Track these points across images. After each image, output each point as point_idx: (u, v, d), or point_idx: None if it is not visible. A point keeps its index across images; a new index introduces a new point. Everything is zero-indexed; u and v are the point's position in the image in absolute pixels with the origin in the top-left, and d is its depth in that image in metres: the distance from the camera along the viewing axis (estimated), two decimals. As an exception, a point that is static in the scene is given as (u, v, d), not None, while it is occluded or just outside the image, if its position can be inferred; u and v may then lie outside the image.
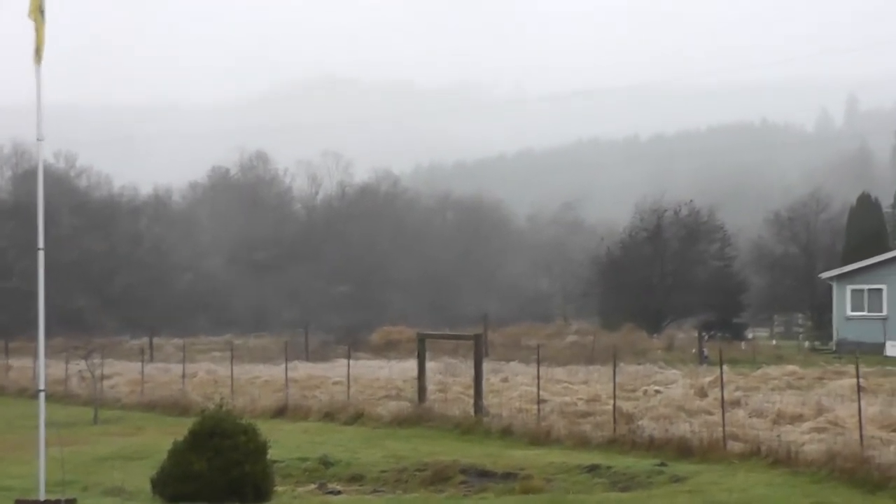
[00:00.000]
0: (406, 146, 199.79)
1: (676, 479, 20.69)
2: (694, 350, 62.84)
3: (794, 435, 24.22)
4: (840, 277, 70.46)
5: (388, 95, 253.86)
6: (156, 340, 72.99)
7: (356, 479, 22.56)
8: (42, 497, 17.29)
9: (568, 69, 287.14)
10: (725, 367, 29.30)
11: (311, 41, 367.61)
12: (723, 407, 25.50)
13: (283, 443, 25.21)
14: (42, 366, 18.67)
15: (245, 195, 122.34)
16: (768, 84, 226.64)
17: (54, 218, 79.90)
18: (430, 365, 36.44)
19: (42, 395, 18.16)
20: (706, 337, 68.87)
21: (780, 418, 27.59)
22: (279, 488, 19.57)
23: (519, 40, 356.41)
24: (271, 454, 18.94)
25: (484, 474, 22.33)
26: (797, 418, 27.57)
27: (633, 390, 36.04)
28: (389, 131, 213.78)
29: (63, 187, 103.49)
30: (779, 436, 23.58)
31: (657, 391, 35.85)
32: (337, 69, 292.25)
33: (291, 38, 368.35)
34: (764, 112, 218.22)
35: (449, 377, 40.87)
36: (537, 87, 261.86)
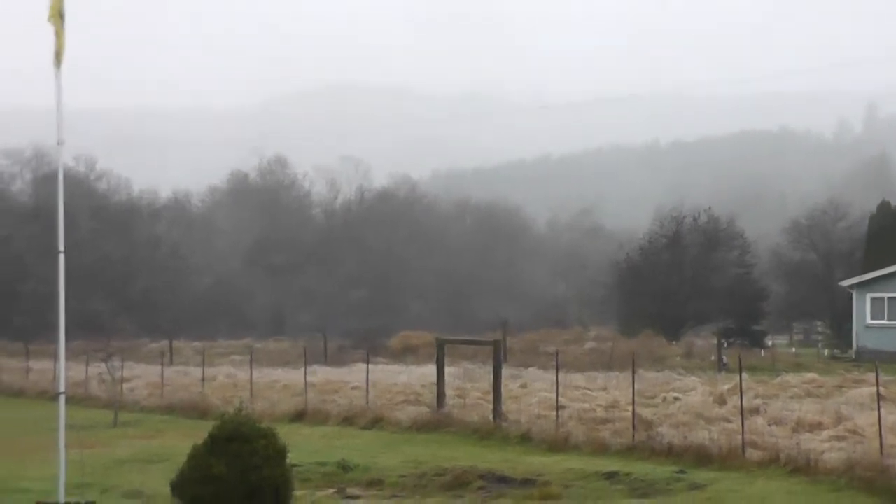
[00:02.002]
0: (425, 152, 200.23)
1: (695, 487, 20.64)
2: (713, 357, 62.65)
3: (813, 443, 24.14)
4: (860, 285, 70.25)
5: (406, 101, 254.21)
6: (175, 344, 73.09)
7: (375, 483, 22.55)
8: (62, 499, 17.33)
9: (588, 76, 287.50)
10: (744, 375, 29.22)
11: (330, 47, 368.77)
12: (742, 414, 25.45)
13: (302, 447, 25.23)
14: (62, 368, 18.70)
15: (264, 199, 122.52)
16: (788, 92, 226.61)
17: (74, 221, 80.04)
18: (448, 370, 36.45)
19: (62, 397, 18.19)
20: (725, 344, 68.65)
21: (799, 426, 27.49)
22: (298, 493, 19.55)
23: (540, 46, 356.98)
24: (290, 458, 18.92)
25: (502, 480, 22.31)
26: (816, 426, 27.47)
27: (652, 397, 35.96)
28: (408, 137, 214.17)
29: (82, 190, 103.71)
30: (798, 444, 23.50)
31: (676, 398, 35.74)
32: (356, 75, 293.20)
33: (311, 43, 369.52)
34: (783, 120, 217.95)
35: (467, 383, 40.82)
36: (557, 93, 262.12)
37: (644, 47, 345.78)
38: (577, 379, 43.69)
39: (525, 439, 28.40)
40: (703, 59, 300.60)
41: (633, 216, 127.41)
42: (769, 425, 27.57)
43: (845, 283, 73.25)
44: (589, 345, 74.09)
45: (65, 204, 18.37)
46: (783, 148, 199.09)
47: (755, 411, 29.84)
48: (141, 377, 49.90)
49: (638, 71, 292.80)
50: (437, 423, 31.43)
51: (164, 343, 72.41)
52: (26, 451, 27.77)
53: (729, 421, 27.94)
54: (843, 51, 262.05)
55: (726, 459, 23.44)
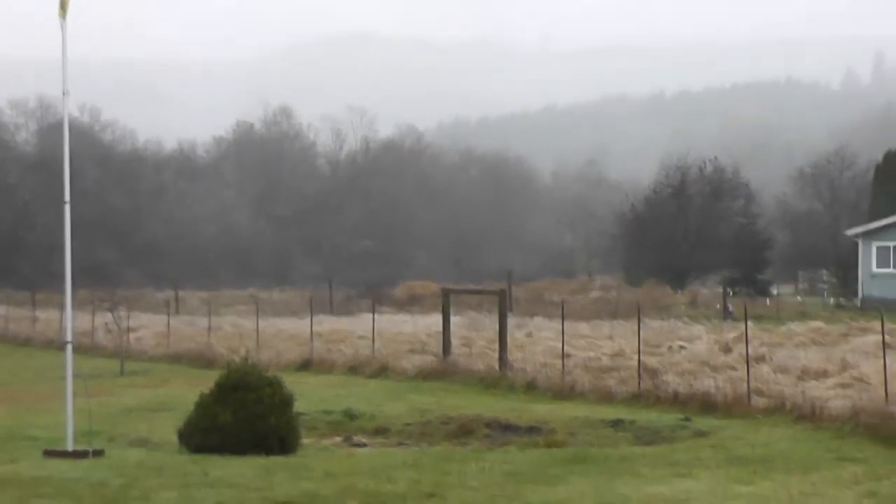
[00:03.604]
0: (429, 102, 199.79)
1: (700, 434, 20.69)
2: (718, 306, 62.74)
3: (818, 391, 24.12)
4: (866, 234, 70.26)
5: (411, 51, 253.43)
6: (181, 293, 73.19)
7: (381, 431, 22.60)
8: (70, 447, 17.42)
9: (593, 25, 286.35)
10: (750, 324, 29.22)
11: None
12: (747, 362, 25.45)
13: (308, 396, 25.29)
14: (69, 318, 18.75)
15: (269, 150, 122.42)
16: (794, 41, 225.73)
17: (79, 171, 79.76)
18: (454, 319, 36.43)
19: (69, 346, 18.26)
20: (730, 293, 68.74)
21: (804, 374, 27.48)
22: (305, 441, 19.61)
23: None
24: (296, 407, 19.01)
25: (508, 428, 22.35)
26: (822, 374, 27.45)
27: (658, 346, 35.93)
28: (413, 87, 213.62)
29: (87, 141, 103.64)
30: (803, 391, 23.50)
31: (681, 347, 35.73)
32: (359, 24, 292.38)
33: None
34: (790, 69, 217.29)
35: (473, 332, 40.87)
36: (562, 42, 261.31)
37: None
38: (583, 328, 43.69)
39: (531, 388, 28.47)
40: (709, 9, 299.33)
41: (638, 166, 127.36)
42: (774, 373, 27.54)
43: (851, 231, 73.27)
44: (594, 294, 74.20)
45: (70, 154, 18.37)
46: (790, 97, 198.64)
47: (761, 359, 29.82)
48: (147, 327, 49.98)
49: (643, 19, 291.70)
50: (443, 372, 31.52)
51: (170, 293, 72.53)
52: (34, 400, 27.88)
53: (734, 369, 27.93)
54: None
55: (731, 407, 23.48)
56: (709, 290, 79.83)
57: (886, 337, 25.15)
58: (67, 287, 18.30)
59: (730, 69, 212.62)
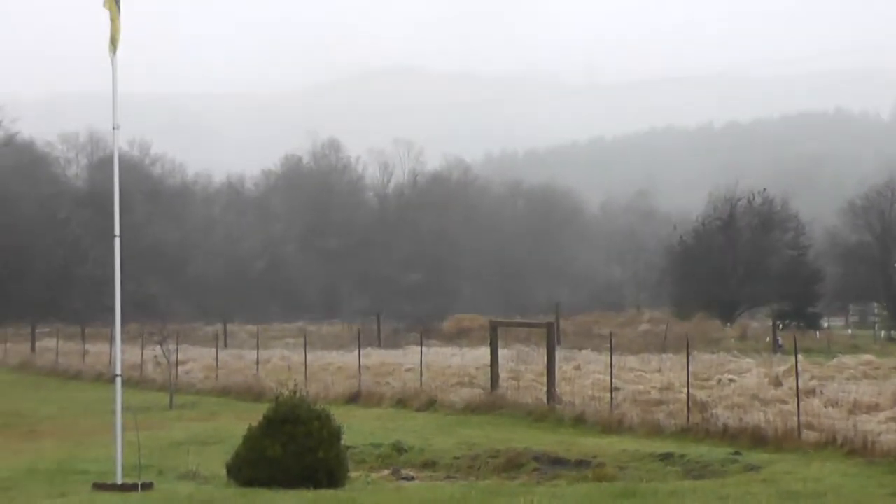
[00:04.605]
0: (477, 134, 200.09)
1: (751, 468, 20.52)
2: (768, 339, 62.40)
3: (870, 425, 23.93)
4: (917, 266, 69.73)
5: (458, 84, 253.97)
6: (229, 327, 73.44)
7: (429, 465, 22.57)
8: (119, 481, 17.47)
9: (641, 57, 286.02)
10: (800, 357, 29.00)
11: (380, 29, 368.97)
12: (797, 396, 25.27)
13: (357, 429, 25.28)
14: (118, 351, 18.84)
15: (317, 183, 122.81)
16: (843, 72, 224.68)
17: (129, 205, 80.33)
18: (502, 353, 36.37)
19: (118, 380, 18.33)
20: (780, 326, 68.31)
21: (855, 408, 27.27)
22: (353, 474, 19.60)
23: (593, 28, 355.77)
24: (345, 440, 18.99)
25: (557, 462, 22.27)
26: (873, 408, 27.25)
27: (707, 379, 35.74)
28: (460, 119, 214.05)
29: (137, 175, 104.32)
30: (854, 425, 23.30)
31: (731, 380, 35.52)
32: (406, 57, 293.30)
33: (361, 26, 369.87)
34: (839, 100, 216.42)
35: (521, 365, 40.72)
36: (609, 74, 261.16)
37: (698, 28, 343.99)
38: (631, 361, 43.54)
39: (579, 421, 28.35)
40: (757, 40, 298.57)
41: (687, 198, 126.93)
42: (825, 407, 27.33)
43: (902, 264, 72.79)
44: (643, 327, 73.92)
45: (120, 188, 18.48)
46: (839, 128, 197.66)
47: (811, 393, 29.63)
48: (196, 360, 50.15)
49: (692, 52, 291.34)
50: (491, 405, 31.44)
51: (219, 326, 72.79)
52: (84, 434, 27.98)
53: (785, 402, 27.73)
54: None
55: (782, 441, 23.30)
56: (759, 323, 79.41)
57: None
58: (117, 320, 18.39)
59: (778, 100, 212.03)
